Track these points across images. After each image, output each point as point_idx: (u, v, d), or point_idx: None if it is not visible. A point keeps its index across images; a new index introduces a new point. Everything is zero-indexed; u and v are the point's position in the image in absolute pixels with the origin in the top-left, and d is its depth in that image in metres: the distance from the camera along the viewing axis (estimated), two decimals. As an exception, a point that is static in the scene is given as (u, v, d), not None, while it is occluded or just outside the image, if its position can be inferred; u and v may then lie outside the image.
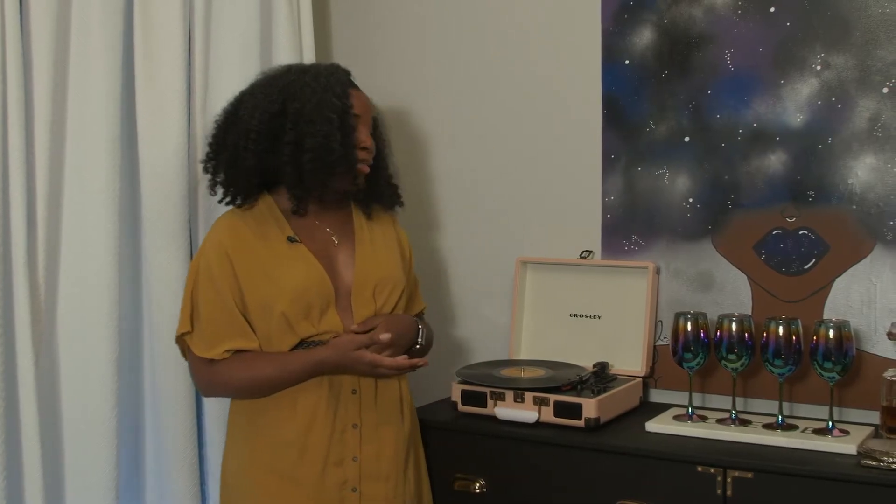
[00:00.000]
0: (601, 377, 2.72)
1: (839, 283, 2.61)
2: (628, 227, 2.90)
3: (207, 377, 2.45)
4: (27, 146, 2.52)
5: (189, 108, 2.87)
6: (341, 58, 3.43)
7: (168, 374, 2.78)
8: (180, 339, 2.47)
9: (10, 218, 2.48)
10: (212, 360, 2.42)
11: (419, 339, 2.56)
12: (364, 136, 2.49)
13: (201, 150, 2.84)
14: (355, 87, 2.55)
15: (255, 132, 2.43)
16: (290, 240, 2.47)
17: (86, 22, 2.65)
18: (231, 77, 2.89)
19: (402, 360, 2.39)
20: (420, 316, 2.74)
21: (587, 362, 2.82)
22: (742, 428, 2.48)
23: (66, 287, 2.65)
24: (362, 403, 2.46)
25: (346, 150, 2.44)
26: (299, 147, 2.40)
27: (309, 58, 3.13)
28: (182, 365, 2.71)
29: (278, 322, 2.40)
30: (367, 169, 2.51)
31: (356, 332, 2.41)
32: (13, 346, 2.50)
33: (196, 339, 2.43)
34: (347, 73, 2.57)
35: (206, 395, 2.60)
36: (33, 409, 2.51)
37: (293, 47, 3.06)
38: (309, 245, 2.49)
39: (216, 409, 2.89)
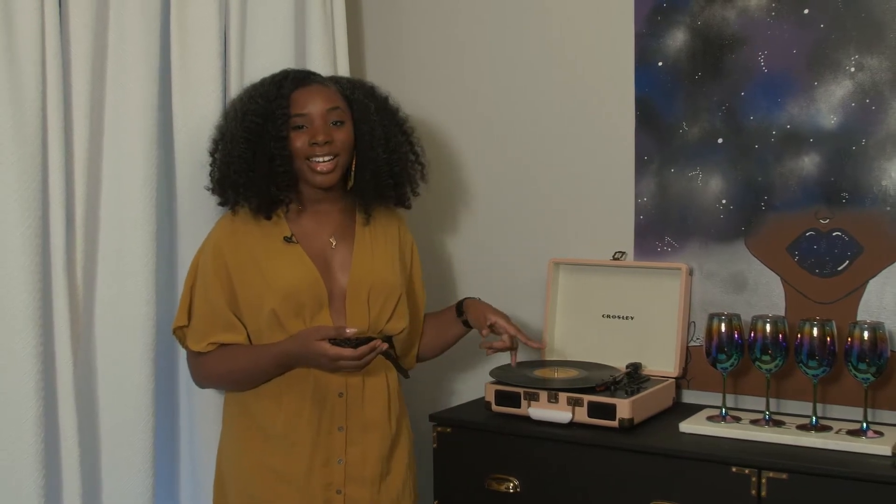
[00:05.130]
0: (634, 378, 2.73)
1: (873, 285, 2.60)
2: (661, 228, 2.90)
3: (196, 368, 2.59)
4: (66, 148, 2.53)
5: (224, 111, 2.89)
6: (373, 55, 3.46)
7: (203, 374, 2.81)
8: (176, 332, 2.59)
9: (49, 219, 2.50)
10: (199, 353, 2.54)
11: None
12: (313, 134, 2.49)
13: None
14: (304, 85, 2.55)
15: (211, 156, 2.60)
16: (287, 240, 2.54)
17: (123, 26, 2.67)
18: (266, 80, 2.92)
19: (366, 347, 2.37)
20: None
21: (620, 363, 2.83)
22: (776, 429, 2.48)
23: (104, 288, 2.67)
24: (349, 406, 2.50)
25: (261, 165, 2.49)
26: (226, 166, 2.54)
27: (342, 53, 3.15)
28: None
29: (268, 318, 2.48)
30: (324, 165, 2.50)
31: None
32: (52, 346, 2.52)
33: (189, 332, 2.56)
34: (287, 77, 2.57)
35: (200, 387, 2.66)
36: (71, 408, 2.53)
37: (327, 47, 3.08)
38: (307, 245, 2.55)
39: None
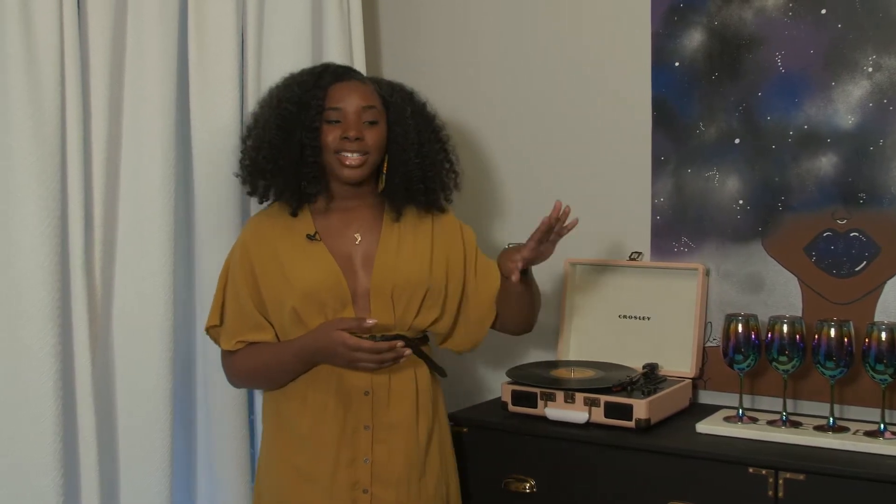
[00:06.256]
0: (651, 378, 2.73)
1: (891, 286, 2.60)
2: (678, 228, 2.90)
3: (227, 367, 2.60)
4: (84, 148, 2.55)
5: (242, 111, 2.90)
6: (389, 56, 3.47)
7: (220, 373, 2.80)
8: (209, 332, 2.60)
9: (68, 218, 2.52)
10: (230, 351, 2.55)
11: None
12: (345, 129, 2.48)
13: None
14: (343, 80, 2.55)
15: (242, 143, 2.60)
16: (310, 237, 2.52)
17: (141, 27, 2.69)
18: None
19: (385, 344, 2.35)
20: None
21: (636, 363, 2.82)
22: (793, 430, 2.48)
23: (122, 287, 2.69)
24: (374, 405, 2.48)
25: (291, 153, 2.49)
26: (255, 151, 2.54)
27: (359, 53, 3.16)
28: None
29: (290, 317, 2.47)
30: (353, 159, 2.48)
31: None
32: (71, 344, 2.54)
33: (222, 331, 2.56)
34: (328, 69, 2.58)
35: (234, 386, 2.67)
36: (90, 407, 2.55)
37: (344, 51, 3.08)
38: (331, 243, 2.53)
39: (268, 408, 2.93)
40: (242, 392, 2.85)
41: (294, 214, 2.54)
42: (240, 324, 2.52)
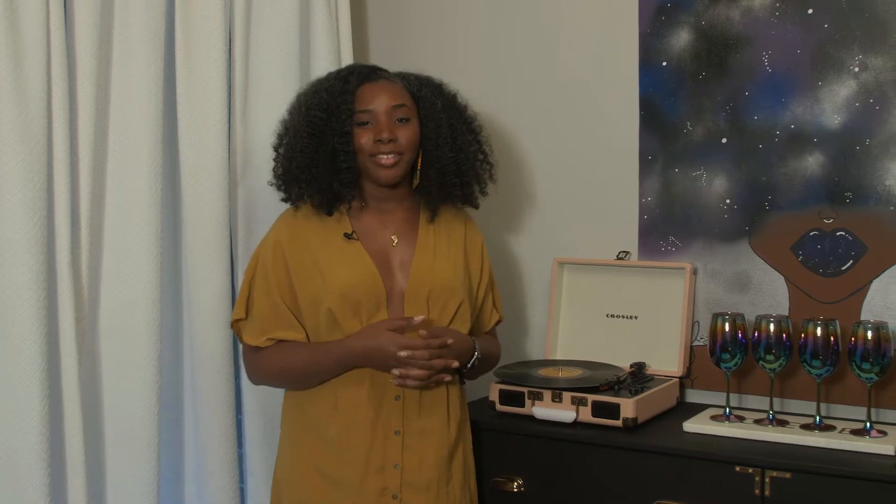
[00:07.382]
0: (638, 377, 2.73)
1: (876, 285, 2.61)
2: (665, 227, 2.90)
3: (252, 364, 2.54)
4: (71, 148, 2.54)
5: (229, 111, 2.89)
6: (377, 53, 3.46)
7: (208, 374, 2.81)
8: (234, 325, 2.54)
9: (54, 218, 2.51)
10: (257, 348, 2.49)
11: (468, 364, 2.53)
12: (377, 131, 2.44)
13: (241, 151, 2.90)
14: (370, 81, 2.51)
15: (274, 150, 2.55)
16: (347, 236, 2.48)
17: (127, 26, 2.67)
18: (271, 80, 2.93)
19: (437, 340, 2.35)
20: (492, 330, 2.73)
21: (624, 363, 2.83)
22: (780, 428, 2.49)
23: (109, 286, 2.67)
24: (405, 411, 2.44)
25: (324, 160, 2.44)
26: (288, 160, 2.49)
27: (346, 50, 3.16)
28: (222, 364, 2.77)
29: (326, 317, 2.42)
30: (388, 160, 2.44)
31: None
32: (57, 344, 2.52)
33: (247, 326, 2.51)
34: (353, 71, 2.54)
35: (254, 383, 2.63)
36: (76, 407, 2.53)
37: (332, 49, 3.08)
38: (367, 243, 2.49)
39: (256, 408, 2.92)
40: (230, 392, 2.84)
41: (330, 214, 2.50)
42: (271, 321, 2.47)
